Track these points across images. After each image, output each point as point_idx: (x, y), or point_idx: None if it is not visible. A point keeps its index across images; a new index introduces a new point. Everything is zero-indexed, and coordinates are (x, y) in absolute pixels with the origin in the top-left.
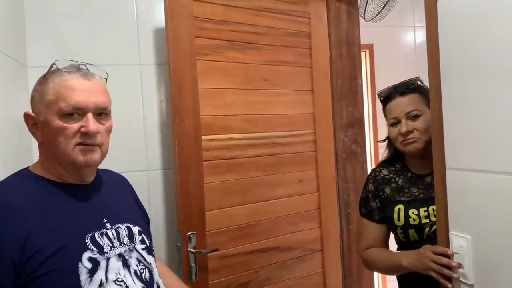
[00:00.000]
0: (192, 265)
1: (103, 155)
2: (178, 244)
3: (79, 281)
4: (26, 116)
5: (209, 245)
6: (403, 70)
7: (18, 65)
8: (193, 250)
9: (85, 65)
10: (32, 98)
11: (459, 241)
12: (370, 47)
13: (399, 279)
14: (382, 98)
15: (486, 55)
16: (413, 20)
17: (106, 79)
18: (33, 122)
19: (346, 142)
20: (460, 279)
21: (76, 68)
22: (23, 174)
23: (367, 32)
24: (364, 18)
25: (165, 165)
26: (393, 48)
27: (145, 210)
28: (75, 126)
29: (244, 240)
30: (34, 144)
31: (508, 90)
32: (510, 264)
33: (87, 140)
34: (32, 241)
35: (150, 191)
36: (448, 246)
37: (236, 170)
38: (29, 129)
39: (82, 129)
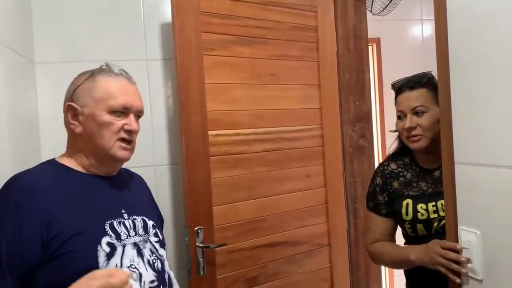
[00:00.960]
0: (200, 259)
1: (132, 153)
2: (186, 239)
3: (97, 262)
4: (69, 107)
5: (216, 239)
6: (410, 64)
7: (26, 61)
8: (201, 245)
9: (125, 71)
10: (77, 91)
11: (468, 236)
12: (377, 41)
13: (407, 273)
14: (394, 89)
15: (495, 51)
16: (421, 14)
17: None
18: (74, 114)
19: (354, 136)
20: (469, 274)
21: (124, 72)
22: (51, 163)
23: (374, 25)
24: (371, 12)
25: (173, 161)
26: (400, 42)
27: (159, 211)
28: (119, 123)
29: (251, 235)
30: (42, 139)
31: None
32: None
33: (128, 137)
34: (56, 221)
35: (158, 187)
36: (456, 241)
37: (243, 165)
38: (68, 120)
39: (126, 126)
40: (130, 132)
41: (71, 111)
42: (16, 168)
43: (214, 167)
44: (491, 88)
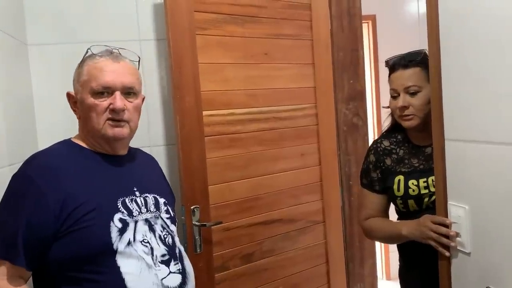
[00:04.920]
0: (197, 237)
1: (132, 131)
2: (182, 217)
3: (110, 237)
4: (68, 95)
5: (213, 218)
6: (406, 41)
7: (18, 43)
8: (197, 223)
9: (117, 49)
10: (73, 79)
11: (457, 211)
12: (372, 18)
13: (400, 248)
14: (388, 67)
15: (484, 26)
16: None
17: (139, 62)
18: (73, 101)
19: (348, 115)
20: (458, 247)
21: (108, 52)
22: (65, 143)
23: (369, 2)
24: None
25: (168, 141)
26: (396, 19)
27: (171, 189)
28: (104, 103)
29: (247, 213)
30: (38, 121)
31: (506, 61)
32: (506, 232)
33: (115, 116)
34: (72, 199)
35: None
36: (446, 216)
37: (238, 145)
38: (71, 107)
39: (110, 106)
40: (114, 111)
41: (71, 98)
42: (12, 151)
43: (209, 147)
44: (481, 65)
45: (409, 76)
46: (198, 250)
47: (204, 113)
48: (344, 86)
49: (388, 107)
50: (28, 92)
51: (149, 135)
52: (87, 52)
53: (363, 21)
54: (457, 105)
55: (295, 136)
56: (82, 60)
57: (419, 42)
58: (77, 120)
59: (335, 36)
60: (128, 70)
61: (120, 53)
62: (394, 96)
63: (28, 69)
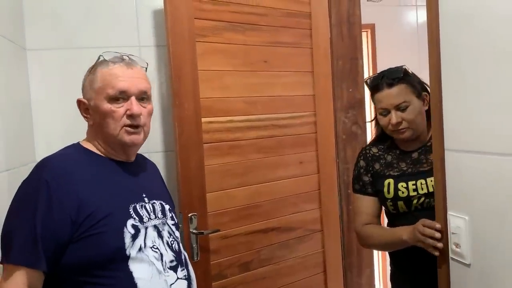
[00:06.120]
0: (194, 245)
1: (145, 136)
2: (180, 225)
3: (124, 243)
4: (79, 102)
5: (210, 226)
6: (405, 50)
7: (17, 48)
8: (194, 231)
9: (127, 56)
10: (84, 86)
11: (457, 222)
12: (371, 27)
13: (391, 253)
14: (370, 86)
15: (486, 37)
16: None
17: (146, 68)
18: (85, 107)
19: (347, 123)
20: (457, 258)
21: (120, 59)
22: (77, 147)
23: (368, 11)
24: None
25: (166, 148)
26: (395, 28)
27: (170, 195)
28: (121, 109)
29: (245, 221)
30: (35, 126)
31: (506, 72)
32: (507, 244)
33: (133, 122)
34: (85, 205)
35: None
36: (446, 227)
37: (236, 152)
38: (82, 114)
39: (128, 111)
40: (132, 116)
41: (82, 105)
42: (10, 156)
43: (208, 154)
44: (481, 76)
45: (397, 94)
46: (196, 258)
47: (203, 120)
48: (343, 94)
49: (372, 120)
50: (26, 97)
51: (148, 141)
52: (99, 58)
53: (362, 30)
54: (457, 115)
55: (293, 144)
56: (93, 67)
57: (417, 51)
58: (75, 125)
59: (334, 44)
60: (141, 75)
61: (131, 60)
62: (384, 114)
63: (27, 74)
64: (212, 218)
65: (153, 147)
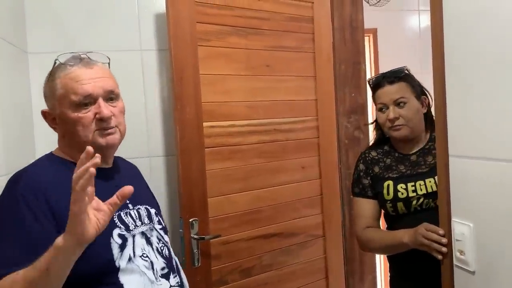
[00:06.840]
0: (195, 251)
1: (122, 135)
2: (180, 230)
3: (112, 255)
4: (44, 113)
5: (211, 231)
6: (407, 55)
7: (19, 51)
8: (195, 236)
9: (85, 54)
10: (45, 95)
11: (461, 229)
12: (374, 31)
13: (390, 257)
14: (372, 85)
15: (489, 42)
16: (418, 4)
17: (109, 63)
18: (51, 118)
19: (349, 128)
20: (462, 266)
21: (78, 59)
22: (50, 158)
23: (371, 16)
24: (368, 2)
25: (167, 152)
26: (397, 33)
27: (154, 196)
28: (89, 114)
29: (247, 226)
30: (36, 129)
31: (510, 77)
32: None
33: (105, 125)
34: (64, 217)
35: (152, 178)
36: (450, 233)
37: (238, 157)
38: (49, 125)
39: (97, 115)
40: (102, 120)
41: (48, 116)
42: (10, 160)
43: (209, 158)
44: (485, 81)
45: (397, 90)
46: (196, 264)
47: (205, 124)
48: (345, 99)
49: (372, 122)
50: (27, 100)
51: (149, 145)
52: (55, 63)
53: (364, 35)
54: (461, 121)
55: (295, 148)
56: (50, 73)
57: (419, 56)
58: None
59: (337, 49)
60: (103, 74)
61: (90, 58)
62: (383, 109)
63: (28, 77)
64: (213, 223)
65: (154, 151)
